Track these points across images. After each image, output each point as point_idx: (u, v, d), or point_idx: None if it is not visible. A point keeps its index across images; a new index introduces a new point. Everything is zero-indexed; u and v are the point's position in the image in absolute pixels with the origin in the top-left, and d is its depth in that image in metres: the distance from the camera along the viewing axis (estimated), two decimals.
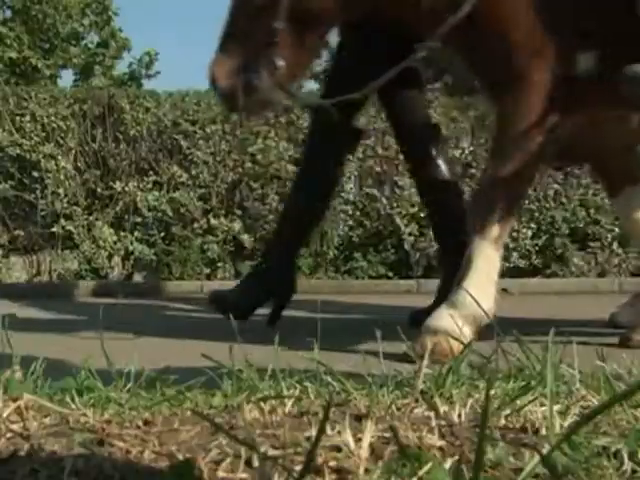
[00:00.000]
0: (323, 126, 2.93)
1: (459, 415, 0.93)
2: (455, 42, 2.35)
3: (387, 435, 0.84)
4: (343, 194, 5.81)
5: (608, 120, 2.52)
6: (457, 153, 5.69)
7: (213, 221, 5.80)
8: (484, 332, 2.08)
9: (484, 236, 2.18)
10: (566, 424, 0.88)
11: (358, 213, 5.82)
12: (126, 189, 5.90)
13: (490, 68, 2.32)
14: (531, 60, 2.22)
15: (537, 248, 5.61)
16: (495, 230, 2.18)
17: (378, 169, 5.84)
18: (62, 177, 5.92)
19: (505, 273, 5.12)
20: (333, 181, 3.10)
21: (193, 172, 5.92)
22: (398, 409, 0.98)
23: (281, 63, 2.24)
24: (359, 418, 0.91)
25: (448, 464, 0.75)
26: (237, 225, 5.79)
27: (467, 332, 2.08)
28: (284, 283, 2.96)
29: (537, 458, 0.71)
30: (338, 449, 0.78)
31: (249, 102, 2.28)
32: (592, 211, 5.64)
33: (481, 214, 2.21)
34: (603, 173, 2.76)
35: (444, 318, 2.14)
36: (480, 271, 2.16)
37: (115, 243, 5.84)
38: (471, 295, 2.01)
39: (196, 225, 5.82)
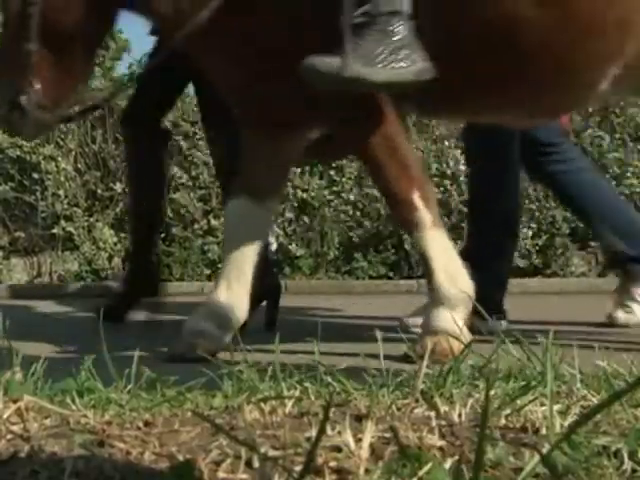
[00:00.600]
0: (133, 132, 3.15)
1: (459, 415, 0.94)
2: (199, 50, 2.27)
3: (387, 435, 0.84)
4: (343, 194, 5.81)
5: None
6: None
7: (213, 222, 5.80)
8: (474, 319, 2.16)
9: (419, 227, 2.17)
10: (566, 424, 0.88)
11: (358, 213, 5.82)
12: (126, 190, 5.89)
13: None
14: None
15: (537, 248, 5.61)
16: (425, 217, 2.17)
17: None
18: (62, 178, 5.92)
19: None
20: (158, 180, 3.25)
21: (193, 173, 5.92)
22: (398, 409, 0.98)
23: (38, 86, 2.24)
24: (359, 418, 0.91)
25: (448, 464, 0.75)
26: None
27: (467, 332, 2.07)
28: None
29: (537, 458, 0.71)
30: (338, 449, 0.78)
31: (21, 124, 2.30)
32: None
33: (401, 213, 2.21)
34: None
35: (444, 318, 2.14)
36: (440, 258, 2.16)
37: (115, 244, 5.84)
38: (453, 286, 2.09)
39: (196, 226, 5.82)
